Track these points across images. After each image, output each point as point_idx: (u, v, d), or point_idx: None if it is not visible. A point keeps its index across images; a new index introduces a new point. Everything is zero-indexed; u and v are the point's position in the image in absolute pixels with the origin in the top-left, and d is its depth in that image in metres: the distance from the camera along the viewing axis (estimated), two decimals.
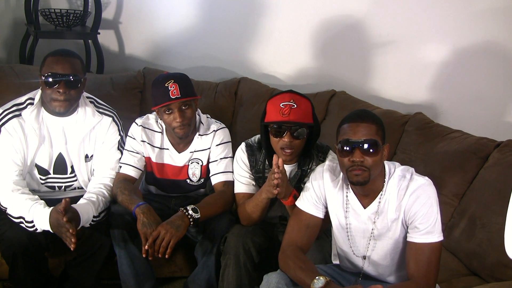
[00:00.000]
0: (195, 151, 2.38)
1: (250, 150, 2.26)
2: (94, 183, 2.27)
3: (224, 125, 2.43)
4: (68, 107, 2.17)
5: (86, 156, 2.29)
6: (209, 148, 2.38)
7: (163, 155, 2.39)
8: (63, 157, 2.25)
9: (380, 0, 3.10)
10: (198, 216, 2.14)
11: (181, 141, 2.36)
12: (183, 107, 2.22)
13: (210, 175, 2.39)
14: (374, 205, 1.82)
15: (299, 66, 3.33)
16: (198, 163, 2.39)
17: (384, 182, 1.81)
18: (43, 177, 2.26)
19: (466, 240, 2.28)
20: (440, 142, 2.56)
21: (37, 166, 2.23)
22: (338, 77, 3.24)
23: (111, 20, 3.46)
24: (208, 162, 2.39)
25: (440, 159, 2.51)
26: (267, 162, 2.23)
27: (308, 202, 1.93)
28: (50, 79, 2.10)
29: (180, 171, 2.41)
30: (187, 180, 2.42)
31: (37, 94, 2.20)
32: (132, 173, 2.33)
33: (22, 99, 2.20)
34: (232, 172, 2.33)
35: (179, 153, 2.38)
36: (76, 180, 2.31)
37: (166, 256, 2.05)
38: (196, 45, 3.40)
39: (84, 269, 2.24)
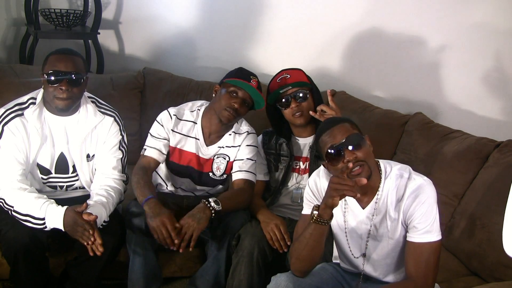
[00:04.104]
0: (223, 147, 2.39)
1: (265, 133, 2.50)
2: (99, 185, 2.25)
3: (254, 131, 2.46)
4: (70, 105, 2.17)
5: (88, 156, 2.28)
6: (239, 145, 2.39)
7: (192, 145, 2.38)
8: (64, 157, 2.25)
9: (380, 1, 3.10)
10: (220, 208, 2.14)
11: (215, 132, 2.36)
12: (246, 102, 2.28)
13: (232, 172, 2.40)
14: (372, 205, 1.82)
15: (299, 66, 3.29)
16: (225, 159, 2.40)
17: (381, 181, 1.81)
18: (45, 177, 2.26)
19: (466, 240, 2.28)
20: (440, 142, 2.57)
21: (39, 165, 2.22)
22: (338, 77, 3.24)
23: (111, 20, 3.46)
24: (235, 160, 2.41)
25: (440, 159, 2.51)
26: (279, 142, 2.44)
27: (309, 207, 1.92)
28: (53, 77, 2.10)
29: (204, 164, 2.41)
30: (210, 173, 2.42)
31: (39, 94, 2.20)
32: (155, 155, 2.32)
33: (24, 98, 2.20)
34: (255, 174, 2.37)
35: (207, 146, 2.39)
36: (77, 179, 2.31)
37: (190, 249, 2.07)
38: (196, 45, 3.40)
39: (85, 269, 2.23)
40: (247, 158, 2.37)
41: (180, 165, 2.40)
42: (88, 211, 2.04)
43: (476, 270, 2.22)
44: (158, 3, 3.41)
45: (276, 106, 2.38)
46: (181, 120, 2.37)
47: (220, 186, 2.50)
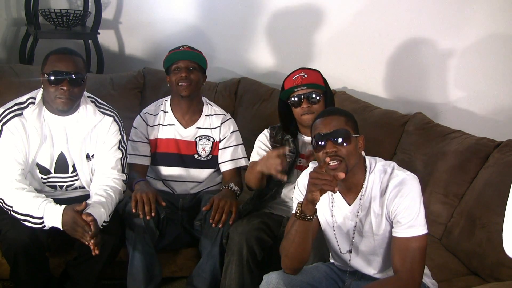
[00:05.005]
0: (201, 128, 2.53)
1: (272, 127, 2.48)
2: (98, 185, 2.26)
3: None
4: (71, 105, 2.17)
5: (87, 156, 2.28)
6: (219, 126, 2.54)
7: (169, 131, 2.52)
8: (64, 157, 2.25)
9: (380, 0, 3.10)
10: (238, 189, 2.40)
11: (187, 112, 2.52)
12: (190, 68, 2.42)
13: (219, 163, 2.53)
14: (357, 201, 1.83)
15: (299, 66, 3.32)
16: (209, 140, 2.54)
17: (365, 176, 1.82)
18: (45, 177, 2.25)
19: (466, 240, 2.28)
20: (440, 142, 2.56)
21: (38, 165, 2.22)
22: (338, 77, 3.24)
23: (111, 20, 3.47)
24: (223, 147, 2.55)
25: (440, 159, 2.51)
26: (285, 138, 2.42)
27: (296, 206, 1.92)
28: (53, 77, 2.10)
29: (187, 146, 2.53)
30: (195, 155, 2.53)
31: (38, 93, 2.20)
32: (138, 160, 2.50)
33: (23, 98, 2.20)
34: (242, 158, 2.55)
35: (185, 128, 2.52)
36: (77, 179, 2.31)
37: (231, 222, 2.24)
38: (196, 45, 3.39)
39: (85, 269, 2.23)
40: (235, 145, 2.55)
41: (162, 153, 2.52)
42: (87, 211, 2.04)
43: (476, 270, 2.22)
44: (158, 3, 3.41)
45: (287, 102, 2.37)
46: (153, 115, 2.55)
47: (207, 171, 2.56)
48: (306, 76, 2.32)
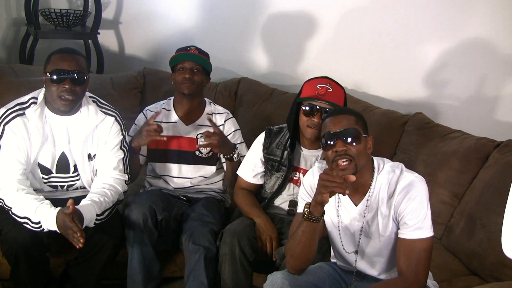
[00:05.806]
0: (203, 125, 2.56)
1: (268, 132, 2.39)
2: (98, 183, 2.26)
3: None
4: (73, 105, 2.17)
5: (89, 155, 2.28)
6: (223, 124, 2.58)
7: (169, 129, 2.55)
8: (66, 156, 2.25)
9: (380, 1, 3.10)
10: (237, 157, 2.44)
11: (188, 110, 2.55)
12: (194, 69, 2.47)
13: (222, 162, 2.57)
14: (364, 202, 1.83)
15: (299, 66, 3.33)
16: None
17: (373, 177, 1.82)
18: (46, 177, 2.25)
19: (466, 240, 2.28)
20: (440, 142, 2.57)
21: (39, 165, 2.22)
22: (338, 77, 3.21)
23: (111, 20, 3.47)
24: None
25: (440, 159, 2.51)
26: (287, 147, 2.31)
27: (303, 205, 1.91)
28: (55, 76, 2.10)
29: (188, 143, 2.55)
30: (196, 152, 2.56)
31: (40, 93, 2.20)
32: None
33: (25, 98, 2.20)
34: (243, 156, 2.51)
35: (186, 125, 2.56)
36: (79, 179, 2.31)
37: (214, 147, 2.36)
38: (196, 44, 3.39)
39: (85, 269, 2.24)
40: (239, 143, 2.58)
41: (162, 150, 2.54)
42: (78, 208, 2.03)
43: (476, 270, 2.22)
44: (158, 3, 3.41)
45: (298, 107, 2.23)
46: (155, 112, 2.53)
47: (207, 168, 2.58)
48: (331, 90, 2.18)
